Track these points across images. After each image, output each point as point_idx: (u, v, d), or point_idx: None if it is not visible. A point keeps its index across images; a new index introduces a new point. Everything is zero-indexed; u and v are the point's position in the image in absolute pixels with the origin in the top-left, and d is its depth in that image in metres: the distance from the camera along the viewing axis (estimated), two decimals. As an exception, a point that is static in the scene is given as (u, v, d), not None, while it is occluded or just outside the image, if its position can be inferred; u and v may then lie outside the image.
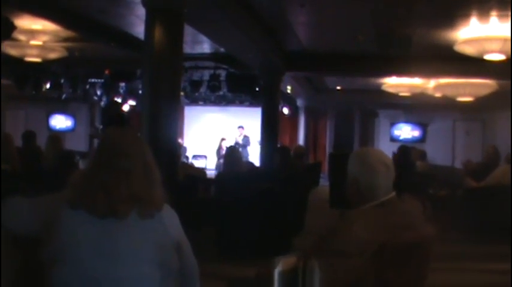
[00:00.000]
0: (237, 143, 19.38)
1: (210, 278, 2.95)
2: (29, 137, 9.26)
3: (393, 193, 2.90)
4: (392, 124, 24.53)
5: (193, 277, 2.78)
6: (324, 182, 14.99)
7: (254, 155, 18.29)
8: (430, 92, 17.59)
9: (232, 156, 9.12)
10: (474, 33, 11.03)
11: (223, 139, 20.51)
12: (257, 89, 16.28)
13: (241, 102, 22.06)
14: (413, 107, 22.37)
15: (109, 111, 10.60)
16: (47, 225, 2.47)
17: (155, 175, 2.63)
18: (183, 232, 2.72)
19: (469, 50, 11.56)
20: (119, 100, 20.14)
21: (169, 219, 2.64)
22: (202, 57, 14.65)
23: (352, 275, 2.67)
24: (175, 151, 8.10)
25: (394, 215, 2.83)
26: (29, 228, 2.55)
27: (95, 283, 2.42)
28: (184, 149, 19.10)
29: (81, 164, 11.50)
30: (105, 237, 2.45)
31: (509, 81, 13.86)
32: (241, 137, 20.19)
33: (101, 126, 13.31)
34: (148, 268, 2.49)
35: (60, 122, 25.44)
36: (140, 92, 17.80)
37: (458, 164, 19.93)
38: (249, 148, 19.89)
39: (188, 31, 8.76)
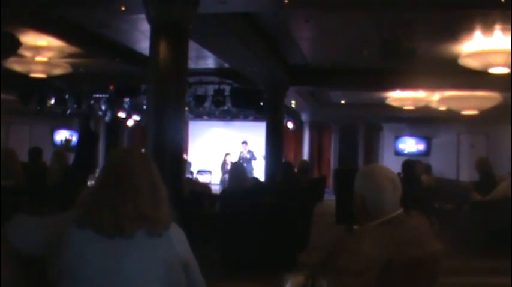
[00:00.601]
0: (241, 158, 19.40)
1: (216, 295, 2.92)
2: (35, 153, 9.30)
3: (400, 210, 2.89)
4: (397, 138, 24.50)
5: None
6: (329, 197, 15.00)
7: (259, 170, 18.29)
8: (434, 105, 17.57)
9: (237, 171, 9.10)
10: (478, 47, 11.03)
11: (227, 154, 20.53)
12: (261, 103, 16.28)
13: (245, 117, 22.06)
14: (418, 121, 22.37)
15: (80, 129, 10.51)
16: (53, 244, 2.46)
17: (162, 194, 2.62)
18: (191, 251, 2.71)
19: (473, 63, 11.56)
20: (124, 115, 20.18)
21: (177, 238, 2.62)
22: (207, 72, 14.66)
23: (359, 292, 2.65)
24: (180, 167, 8.10)
25: (401, 231, 2.82)
26: (35, 247, 2.54)
27: None
28: (189, 164, 19.14)
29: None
30: (112, 256, 2.43)
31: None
32: (246, 151, 20.19)
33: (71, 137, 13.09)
34: (154, 286, 2.48)
35: (64, 137, 25.44)
36: (145, 107, 17.85)
37: (463, 178, 19.89)
38: (253, 162, 19.85)
39: (192, 47, 8.79)
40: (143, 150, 6.24)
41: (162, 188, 2.64)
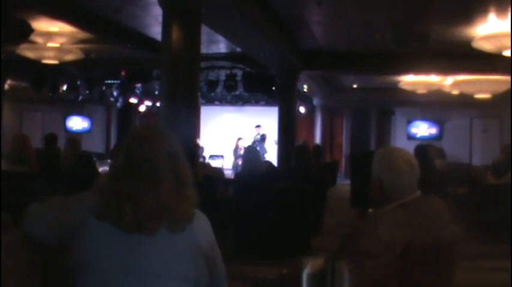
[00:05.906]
0: (256, 141, 19.44)
1: (231, 279, 2.90)
2: (50, 139, 9.33)
3: (418, 193, 2.86)
4: (409, 122, 24.40)
5: (221, 284, 2.63)
6: (341, 181, 14.97)
7: (271, 155, 18.28)
8: (447, 89, 17.49)
9: (250, 156, 9.12)
10: (492, 29, 10.93)
11: (240, 139, 20.54)
12: (274, 88, 16.23)
13: (257, 102, 22.04)
14: (430, 105, 22.24)
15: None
16: (70, 230, 2.34)
17: (187, 177, 2.46)
18: (214, 239, 2.56)
19: (487, 46, 11.47)
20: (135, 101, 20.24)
21: (201, 229, 2.47)
22: (219, 57, 14.64)
23: (378, 275, 2.64)
24: (194, 152, 8.09)
25: (419, 215, 2.80)
26: (50, 234, 2.41)
27: None
28: (201, 149, 19.14)
29: (98, 165, 11.55)
30: (130, 252, 2.30)
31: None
32: (259, 135, 20.23)
33: None
34: (177, 284, 2.36)
35: (76, 123, 25.52)
36: (156, 93, 17.86)
37: (475, 162, 19.81)
38: (266, 146, 19.85)
39: (204, 31, 8.76)
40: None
41: (187, 172, 2.48)
